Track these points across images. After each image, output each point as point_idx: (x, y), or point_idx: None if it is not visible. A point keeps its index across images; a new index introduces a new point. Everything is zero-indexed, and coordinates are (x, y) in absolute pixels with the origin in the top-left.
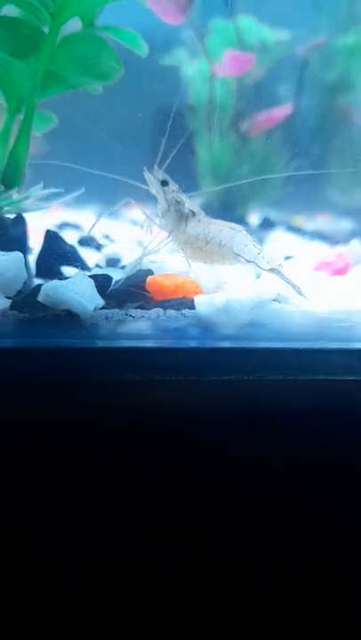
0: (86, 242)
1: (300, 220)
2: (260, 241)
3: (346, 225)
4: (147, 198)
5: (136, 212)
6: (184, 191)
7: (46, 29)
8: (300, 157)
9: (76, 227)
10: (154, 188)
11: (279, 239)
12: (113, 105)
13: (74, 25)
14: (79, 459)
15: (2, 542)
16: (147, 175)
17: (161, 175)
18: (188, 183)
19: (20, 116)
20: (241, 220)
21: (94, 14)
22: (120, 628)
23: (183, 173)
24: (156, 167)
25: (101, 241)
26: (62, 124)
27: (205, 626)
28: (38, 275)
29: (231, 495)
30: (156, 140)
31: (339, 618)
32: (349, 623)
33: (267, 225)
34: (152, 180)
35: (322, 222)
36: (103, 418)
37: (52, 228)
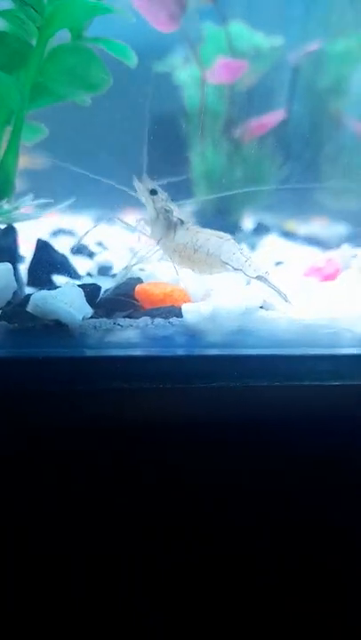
0: (79, 250)
1: (292, 225)
2: (253, 246)
3: (338, 229)
4: (142, 207)
5: (129, 220)
6: (174, 199)
7: (34, 42)
8: (292, 163)
9: (70, 233)
10: (143, 197)
11: (272, 244)
12: (106, 112)
13: (63, 37)
14: (68, 467)
15: (1, 543)
16: (136, 184)
17: (150, 184)
18: (181, 190)
19: (10, 128)
20: (234, 225)
21: (82, 26)
22: (120, 628)
23: (176, 180)
24: (145, 176)
25: (94, 249)
26: (54, 133)
27: (205, 625)
28: (30, 284)
29: (221, 500)
30: (148, 148)
31: (337, 617)
32: (348, 622)
33: (260, 230)
34: (141, 188)
35: (315, 227)
36: (92, 426)
37: (47, 235)
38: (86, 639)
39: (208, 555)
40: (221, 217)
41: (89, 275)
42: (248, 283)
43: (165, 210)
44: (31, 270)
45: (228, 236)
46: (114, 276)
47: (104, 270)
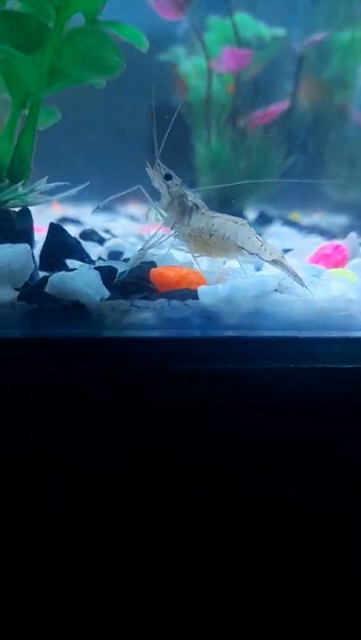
0: (88, 235)
1: (297, 215)
2: (259, 235)
3: (342, 220)
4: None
5: (134, 208)
6: (187, 185)
7: (51, 24)
8: (297, 152)
9: (75, 222)
10: (157, 182)
11: (277, 233)
12: (114, 100)
13: (76, 21)
14: (84, 446)
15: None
16: (149, 170)
17: (164, 169)
18: (187, 178)
19: (25, 111)
20: (239, 215)
21: (98, 9)
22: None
23: (182, 168)
24: (158, 161)
25: (104, 234)
26: (64, 119)
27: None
28: (42, 267)
29: (235, 481)
30: (157, 136)
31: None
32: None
33: (264, 219)
34: (155, 174)
35: (318, 217)
36: (109, 406)
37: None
38: None
39: (215, 550)
40: (225, 206)
41: (101, 259)
42: (258, 269)
43: (180, 195)
44: (43, 253)
45: (243, 220)
46: (125, 260)
47: (114, 255)
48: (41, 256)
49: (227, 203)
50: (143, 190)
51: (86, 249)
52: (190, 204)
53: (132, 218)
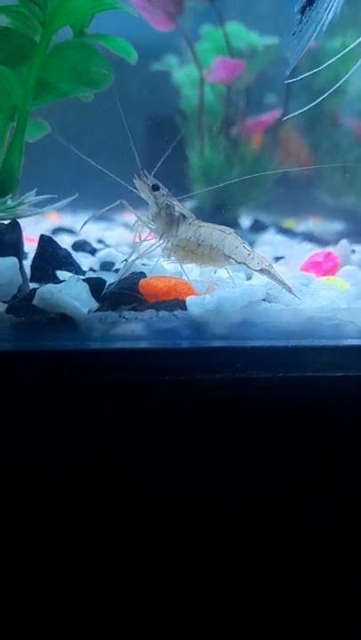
0: (80, 246)
1: (290, 223)
2: (251, 243)
3: (336, 226)
4: (139, 202)
5: (129, 216)
6: (175, 195)
7: (37, 38)
8: (290, 160)
9: (69, 231)
10: (144, 193)
11: (270, 241)
12: (103, 111)
13: (65, 34)
14: (73, 460)
15: None
16: (136, 181)
17: (151, 180)
18: (180, 187)
19: (13, 124)
20: (232, 223)
21: (85, 23)
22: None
23: (175, 178)
24: (145, 172)
25: (97, 245)
26: (53, 130)
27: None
28: (33, 279)
29: (224, 493)
30: (147, 146)
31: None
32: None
33: (258, 227)
34: (142, 185)
35: (312, 224)
36: (98, 419)
37: (47, 234)
38: None
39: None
40: (219, 215)
41: (92, 270)
42: (249, 277)
43: (167, 205)
44: (34, 265)
45: (230, 229)
46: (116, 271)
47: (106, 266)
48: (32, 268)
49: (221, 210)
50: (126, 204)
51: (78, 260)
52: (177, 214)
53: (127, 226)
